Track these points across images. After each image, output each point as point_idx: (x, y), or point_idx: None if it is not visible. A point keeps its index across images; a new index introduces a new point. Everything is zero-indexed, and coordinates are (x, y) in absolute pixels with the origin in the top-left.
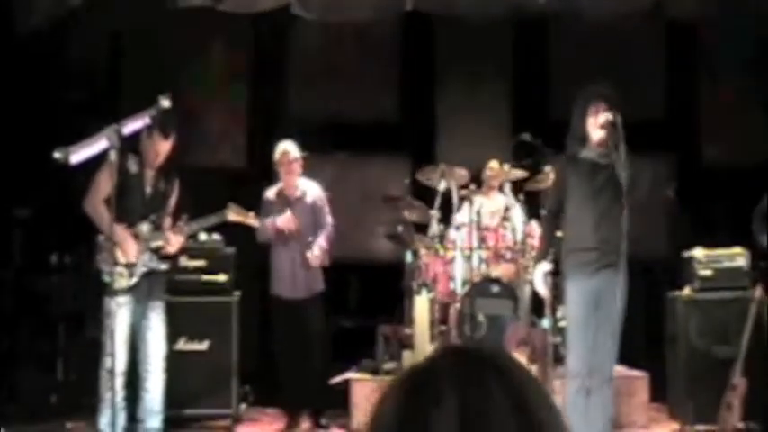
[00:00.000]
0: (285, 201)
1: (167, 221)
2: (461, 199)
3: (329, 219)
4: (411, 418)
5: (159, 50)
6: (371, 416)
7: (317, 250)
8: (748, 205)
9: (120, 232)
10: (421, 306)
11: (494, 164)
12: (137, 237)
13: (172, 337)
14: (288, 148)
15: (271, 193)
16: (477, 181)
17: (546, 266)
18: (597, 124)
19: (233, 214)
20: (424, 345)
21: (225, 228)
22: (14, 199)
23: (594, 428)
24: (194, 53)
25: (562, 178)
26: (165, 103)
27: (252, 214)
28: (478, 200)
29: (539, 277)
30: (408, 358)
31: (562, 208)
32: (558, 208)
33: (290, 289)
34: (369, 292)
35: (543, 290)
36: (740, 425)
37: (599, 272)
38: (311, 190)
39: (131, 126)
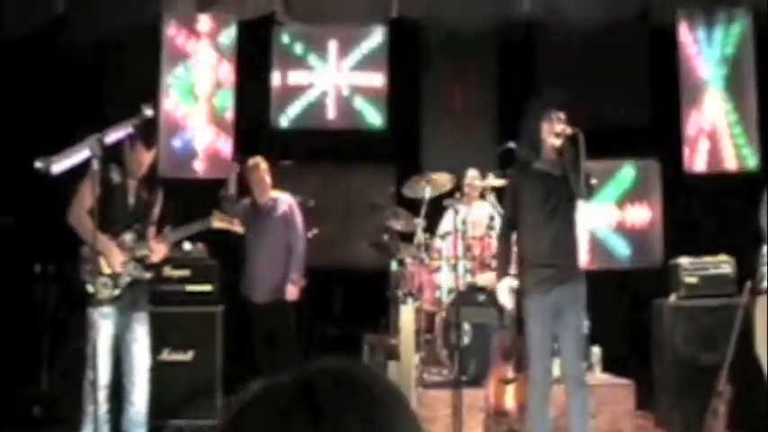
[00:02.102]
0: (256, 212)
1: (151, 231)
2: (446, 208)
3: (301, 231)
4: None
5: (144, 59)
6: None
7: (292, 287)
8: (733, 212)
9: (105, 242)
10: (407, 316)
11: (472, 173)
12: (121, 246)
13: (156, 348)
14: (258, 162)
15: (244, 202)
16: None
17: (510, 282)
18: (554, 131)
19: (217, 221)
20: (409, 354)
21: (209, 238)
22: None
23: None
24: (179, 62)
25: (515, 188)
26: (149, 112)
27: (236, 221)
28: (462, 209)
29: (504, 292)
30: (394, 369)
31: (517, 219)
32: (513, 220)
33: (257, 293)
34: (354, 301)
35: (509, 304)
36: None
37: (555, 287)
38: (284, 201)
39: (114, 135)
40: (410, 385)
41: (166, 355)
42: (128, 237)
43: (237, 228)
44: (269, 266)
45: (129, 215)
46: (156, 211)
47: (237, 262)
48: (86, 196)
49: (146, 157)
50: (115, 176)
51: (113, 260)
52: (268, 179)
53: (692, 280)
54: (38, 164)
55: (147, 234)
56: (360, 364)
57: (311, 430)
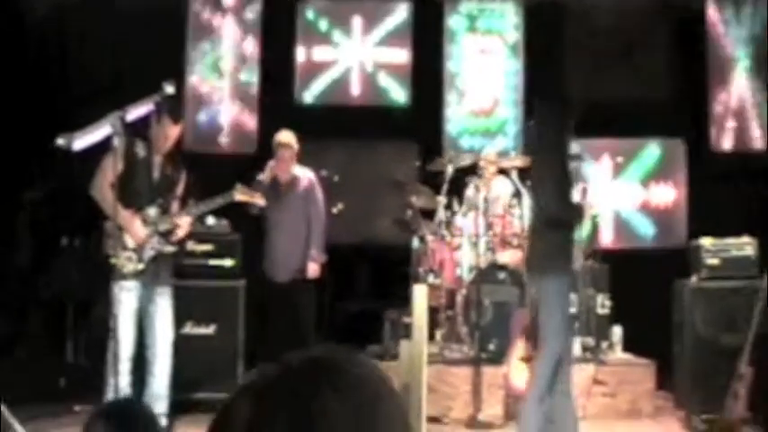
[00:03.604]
0: (277, 189)
1: (175, 206)
2: (467, 185)
3: (321, 207)
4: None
5: (167, 35)
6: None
7: (312, 264)
8: (758, 192)
9: (127, 216)
10: (419, 294)
11: (489, 150)
12: (144, 221)
13: (178, 321)
14: (285, 139)
15: (263, 177)
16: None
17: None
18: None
19: (240, 194)
20: (421, 333)
21: (232, 213)
22: (25, 183)
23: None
24: (204, 38)
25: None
26: (170, 89)
27: (259, 194)
28: (482, 186)
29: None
30: (405, 347)
31: None
32: None
33: (280, 272)
34: (377, 277)
35: None
36: (746, 414)
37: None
38: (303, 177)
39: (135, 112)
40: (421, 364)
41: (189, 329)
42: (151, 211)
43: (259, 201)
44: (290, 244)
45: (154, 190)
46: (180, 188)
47: (261, 237)
48: (109, 171)
49: (172, 132)
50: (140, 151)
51: (136, 233)
52: (293, 159)
53: (714, 261)
54: (60, 140)
55: (170, 209)
56: (346, 352)
57: (295, 419)
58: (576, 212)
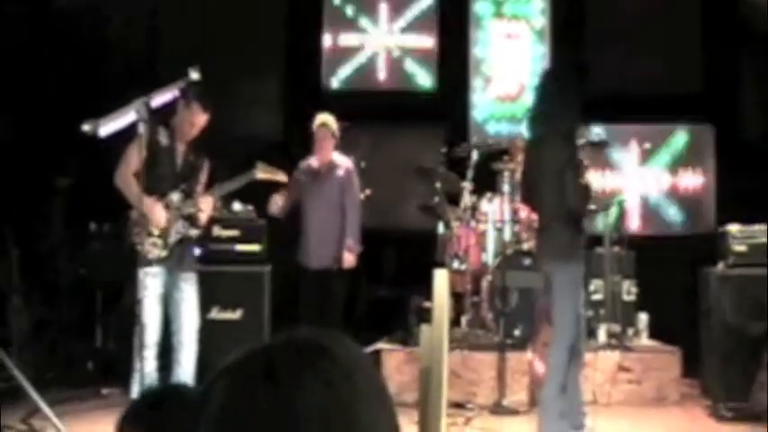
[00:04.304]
0: (314, 174)
1: (199, 192)
2: (496, 171)
3: (357, 197)
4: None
5: (196, 21)
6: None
7: (348, 254)
8: None
9: (150, 202)
10: (440, 278)
11: (516, 139)
12: (168, 207)
13: (204, 306)
14: (325, 121)
15: (303, 164)
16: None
17: None
18: None
19: (261, 172)
20: (442, 317)
21: (258, 198)
22: (55, 169)
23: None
24: (231, 23)
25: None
26: (195, 75)
27: (281, 172)
28: (508, 173)
29: None
30: (426, 332)
31: None
32: None
33: (312, 258)
34: (405, 263)
35: None
36: None
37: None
38: (342, 165)
39: (160, 99)
40: (442, 348)
41: (215, 314)
42: (174, 196)
43: (282, 178)
44: (323, 231)
45: (177, 176)
46: (204, 173)
47: (286, 223)
48: (133, 159)
49: (200, 119)
50: (163, 139)
51: (159, 219)
52: (331, 141)
53: (741, 248)
54: (85, 126)
55: (194, 195)
56: (329, 334)
57: (270, 395)
58: (589, 201)
